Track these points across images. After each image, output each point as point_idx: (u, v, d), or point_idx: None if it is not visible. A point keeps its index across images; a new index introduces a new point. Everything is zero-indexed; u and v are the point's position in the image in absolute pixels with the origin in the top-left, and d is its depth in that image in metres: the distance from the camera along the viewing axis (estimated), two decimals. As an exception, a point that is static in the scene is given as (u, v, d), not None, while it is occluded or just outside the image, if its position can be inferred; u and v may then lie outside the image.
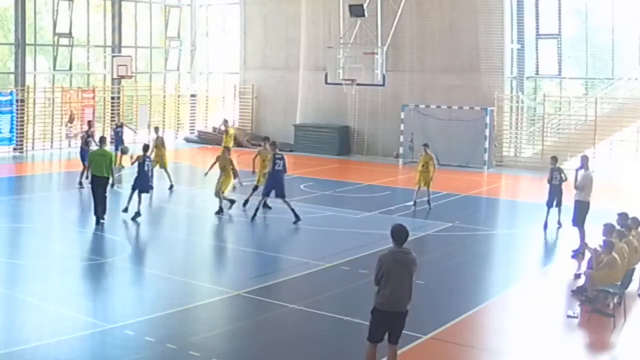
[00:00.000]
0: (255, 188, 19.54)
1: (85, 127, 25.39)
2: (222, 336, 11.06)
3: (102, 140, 18.42)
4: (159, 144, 22.91)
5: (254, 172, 20.00)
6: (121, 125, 26.81)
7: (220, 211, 18.79)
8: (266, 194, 18.35)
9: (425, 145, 21.31)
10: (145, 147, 19.11)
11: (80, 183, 21.66)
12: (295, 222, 17.91)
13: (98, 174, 17.07)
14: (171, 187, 22.20)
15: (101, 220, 17.08)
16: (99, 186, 17.09)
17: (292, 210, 17.99)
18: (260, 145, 21.72)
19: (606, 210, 16.43)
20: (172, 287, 13.16)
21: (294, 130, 33.72)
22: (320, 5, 33.53)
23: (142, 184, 18.24)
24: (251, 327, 11.34)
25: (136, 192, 18.13)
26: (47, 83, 32.64)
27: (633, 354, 10.86)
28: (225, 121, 28.56)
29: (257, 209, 18.35)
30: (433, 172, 20.59)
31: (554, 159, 18.63)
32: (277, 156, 18.25)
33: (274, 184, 18.19)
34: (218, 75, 38.59)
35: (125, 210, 18.06)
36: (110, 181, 17.21)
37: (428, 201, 20.62)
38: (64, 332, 10.43)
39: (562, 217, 18.17)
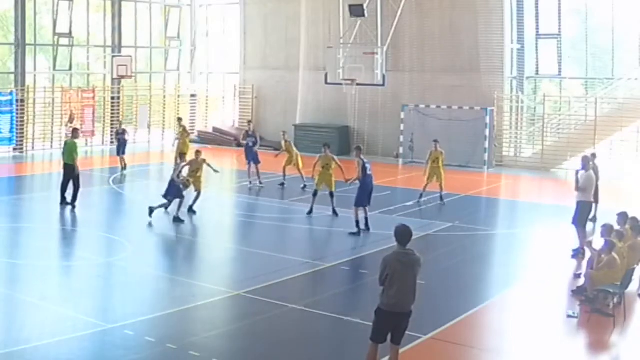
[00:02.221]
0: (315, 193, 19.07)
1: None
2: (222, 336, 11.05)
3: (75, 132, 20.51)
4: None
5: (313, 177, 19.66)
6: (123, 133, 26.62)
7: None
8: (361, 203, 17.10)
9: (436, 141, 21.59)
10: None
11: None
12: (366, 231, 17.19)
13: (65, 161, 19.44)
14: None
15: (70, 204, 18.89)
16: (67, 173, 19.29)
17: (366, 219, 17.22)
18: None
19: (606, 210, 16.42)
20: (172, 287, 13.18)
21: (294, 130, 33.66)
22: (320, 5, 33.51)
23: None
24: (251, 327, 11.33)
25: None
26: (47, 83, 32.61)
27: (633, 354, 10.85)
28: (180, 119, 28.20)
29: (357, 222, 17.09)
30: (443, 168, 21.06)
31: (593, 156, 18.41)
32: (365, 161, 17.35)
33: (369, 190, 17.30)
34: (218, 75, 38.56)
35: (150, 211, 17.93)
36: (76, 170, 19.18)
37: (441, 196, 21.16)
38: (64, 332, 10.42)
39: (597, 212, 17.94)
